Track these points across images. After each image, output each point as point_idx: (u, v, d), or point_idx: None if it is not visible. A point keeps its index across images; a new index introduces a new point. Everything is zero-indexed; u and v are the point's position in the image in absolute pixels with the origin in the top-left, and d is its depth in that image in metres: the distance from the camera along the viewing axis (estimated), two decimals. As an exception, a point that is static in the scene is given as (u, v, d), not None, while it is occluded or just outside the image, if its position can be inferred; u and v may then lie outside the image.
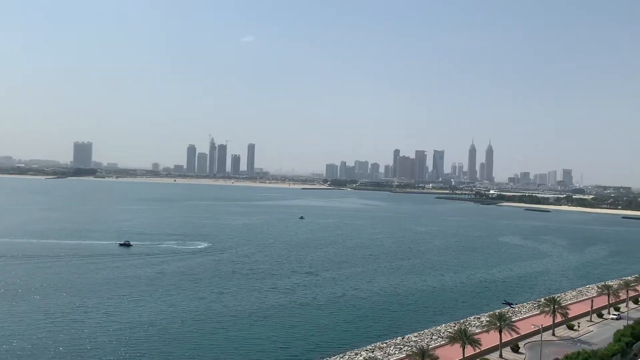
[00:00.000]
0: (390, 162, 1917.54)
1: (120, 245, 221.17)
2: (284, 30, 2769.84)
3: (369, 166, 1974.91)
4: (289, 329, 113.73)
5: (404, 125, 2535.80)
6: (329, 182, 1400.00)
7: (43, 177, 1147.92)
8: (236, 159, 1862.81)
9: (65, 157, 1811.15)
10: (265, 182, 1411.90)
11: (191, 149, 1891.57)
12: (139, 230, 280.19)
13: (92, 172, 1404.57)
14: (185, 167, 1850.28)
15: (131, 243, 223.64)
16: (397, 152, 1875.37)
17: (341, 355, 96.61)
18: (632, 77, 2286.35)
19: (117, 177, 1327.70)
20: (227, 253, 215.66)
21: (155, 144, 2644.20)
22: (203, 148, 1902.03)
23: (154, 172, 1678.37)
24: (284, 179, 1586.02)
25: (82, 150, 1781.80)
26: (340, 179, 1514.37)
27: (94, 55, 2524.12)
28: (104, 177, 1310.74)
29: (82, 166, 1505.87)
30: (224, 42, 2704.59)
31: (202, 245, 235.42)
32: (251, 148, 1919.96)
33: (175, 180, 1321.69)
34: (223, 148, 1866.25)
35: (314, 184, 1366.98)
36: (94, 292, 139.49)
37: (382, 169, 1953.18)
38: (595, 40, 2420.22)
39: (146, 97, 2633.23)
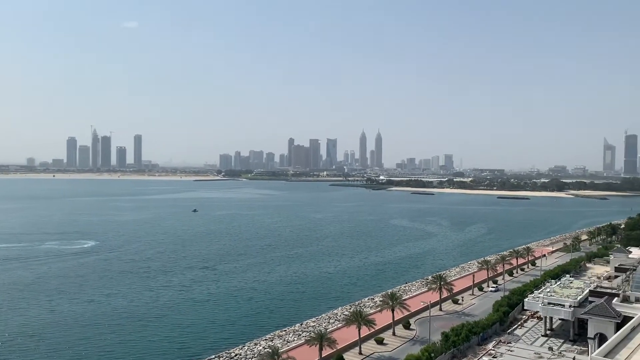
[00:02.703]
0: (285, 151, 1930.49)
1: None
2: (173, 15, 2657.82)
3: (264, 156, 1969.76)
4: (186, 327, 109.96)
5: (298, 114, 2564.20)
6: (223, 173, 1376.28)
7: None
8: (122, 151, 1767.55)
9: None
10: (155, 175, 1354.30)
11: (71, 142, 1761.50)
12: (13, 231, 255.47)
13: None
14: (65, 161, 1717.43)
15: None
16: (291, 141, 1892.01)
17: (240, 347, 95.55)
18: (504, 70, 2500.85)
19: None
20: (116, 251, 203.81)
21: (29, 137, 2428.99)
22: (85, 140, 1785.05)
23: (30, 168, 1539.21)
24: (174, 171, 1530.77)
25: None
26: (235, 170, 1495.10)
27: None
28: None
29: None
30: (104, 27, 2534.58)
31: (88, 244, 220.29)
32: (138, 139, 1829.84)
33: (54, 176, 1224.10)
34: (107, 140, 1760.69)
35: (207, 175, 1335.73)
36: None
37: (277, 158, 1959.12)
38: (468, 31, 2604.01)
39: (19, 86, 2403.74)
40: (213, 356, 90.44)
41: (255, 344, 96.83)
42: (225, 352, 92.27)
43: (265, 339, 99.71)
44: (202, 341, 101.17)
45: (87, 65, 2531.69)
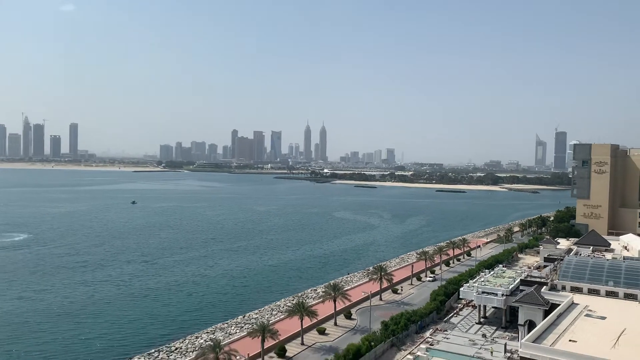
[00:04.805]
0: (229, 143, 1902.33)
1: None
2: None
3: (207, 147, 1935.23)
4: (125, 323, 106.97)
5: (242, 105, 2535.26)
6: (163, 164, 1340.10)
7: None
8: (56, 140, 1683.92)
9: None
10: (92, 165, 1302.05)
11: (0, 129, 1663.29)
12: None
13: None
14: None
15: None
16: (235, 132, 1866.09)
17: (181, 340, 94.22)
18: (441, 69, 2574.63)
19: None
20: (50, 245, 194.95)
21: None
22: (15, 128, 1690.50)
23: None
24: (112, 161, 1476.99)
25: None
26: (177, 161, 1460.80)
27: None
28: None
29: None
30: (38, 9, 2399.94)
31: (20, 237, 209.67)
32: (73, 128, 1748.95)
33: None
34: (40, 128, 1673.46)
35: (147, 166, 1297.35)
36: None
37: (220, 150, 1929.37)
38: (418, 34, 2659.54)
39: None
40: (153, 350, 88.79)
41: (197, 337, 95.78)
42: (166, 347, 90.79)
43: (207, 332, 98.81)
44: (142, 337, 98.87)
45: (18, 49, 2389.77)
